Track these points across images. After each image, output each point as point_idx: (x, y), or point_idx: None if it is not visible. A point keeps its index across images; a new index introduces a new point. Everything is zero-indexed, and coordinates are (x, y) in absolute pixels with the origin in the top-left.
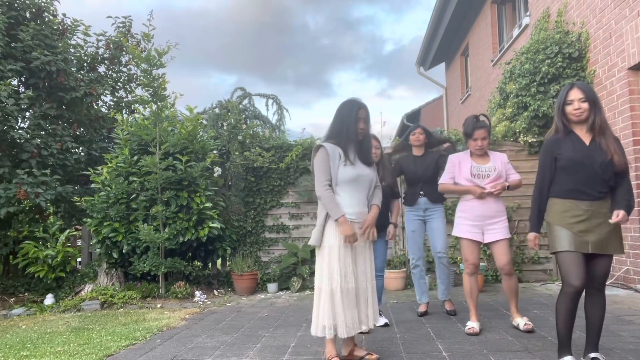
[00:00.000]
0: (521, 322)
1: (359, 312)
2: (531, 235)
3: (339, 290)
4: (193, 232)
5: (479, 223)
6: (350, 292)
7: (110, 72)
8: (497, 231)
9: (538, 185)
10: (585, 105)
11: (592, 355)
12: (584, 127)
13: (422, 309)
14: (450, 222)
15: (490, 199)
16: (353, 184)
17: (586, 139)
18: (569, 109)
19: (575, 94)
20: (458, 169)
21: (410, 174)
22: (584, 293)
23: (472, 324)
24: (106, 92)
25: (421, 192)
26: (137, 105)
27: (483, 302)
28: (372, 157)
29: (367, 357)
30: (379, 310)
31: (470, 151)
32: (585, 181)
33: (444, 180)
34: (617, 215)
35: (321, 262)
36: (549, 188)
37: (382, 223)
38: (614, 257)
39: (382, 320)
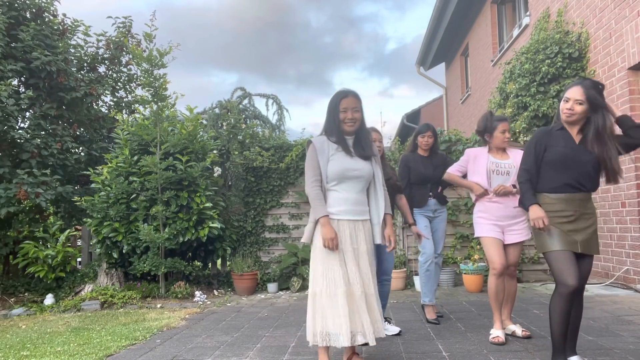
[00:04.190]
0: (517, 329)
1: (356, 320)
2: (535, 209)
3: (330, 294)
4: (193, 232)
5: (501, 223)
6: (340, 297)
7: (110, 72)
8: (518, 232)
9: (525, 166)
10: (579, 109)
11: (573, 358)
12: (575, 129)
13: (433, 315)
14: (450, 222)
15: (510, 198)
16: (344, 178)
17: (577, 138)
18: (562, 105)
19: (574, 93)
20: (473, 163)
21: (419, 174)
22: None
23: (498, 333)
24: (106, 92)
25: (431, 194)
26: (137, 105)
27: (483, 302)
28: (370, 150)
29: None
30: (389, 319)
31: (488, 146)
32: (578, 176)
33: (452, 170)
34: None
35: (313, 264)
36: (537, 171)
37: None
38: (614, 257)
39: (394, 330)
